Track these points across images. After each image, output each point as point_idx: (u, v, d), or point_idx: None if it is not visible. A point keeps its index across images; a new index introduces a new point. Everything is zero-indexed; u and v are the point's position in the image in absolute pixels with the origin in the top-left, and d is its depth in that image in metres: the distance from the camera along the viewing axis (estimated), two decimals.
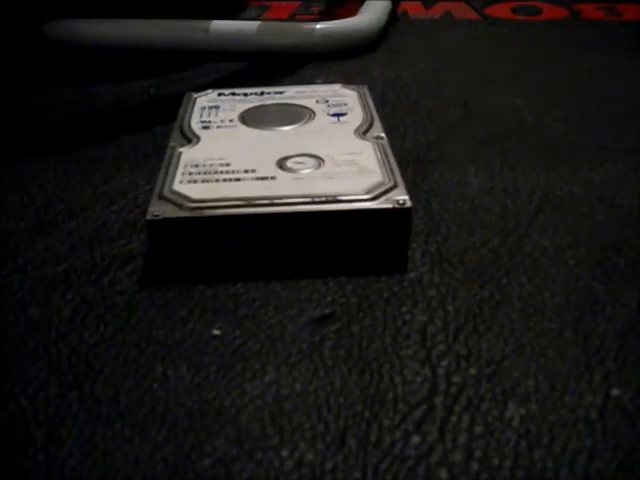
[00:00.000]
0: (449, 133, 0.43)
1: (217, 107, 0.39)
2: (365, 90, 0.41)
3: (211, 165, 0.32)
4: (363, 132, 0.35)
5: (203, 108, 0.39)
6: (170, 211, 0.29)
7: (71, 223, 0.34)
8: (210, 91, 0.42)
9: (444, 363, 0.25)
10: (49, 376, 0.25)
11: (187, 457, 0.22)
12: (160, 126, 0.45)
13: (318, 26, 0.58)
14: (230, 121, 0.37)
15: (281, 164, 0.32)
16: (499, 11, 0.71)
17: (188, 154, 0.33)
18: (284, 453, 0.22)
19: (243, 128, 0.36)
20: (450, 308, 0.28)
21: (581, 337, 0.26)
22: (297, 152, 0.33)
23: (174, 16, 0.60)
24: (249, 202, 0.29)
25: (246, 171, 0.31)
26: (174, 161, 0.33)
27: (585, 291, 0.29)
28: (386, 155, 0.33)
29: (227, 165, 0.32)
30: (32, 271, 0.31)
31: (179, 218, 0.28)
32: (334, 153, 0.33)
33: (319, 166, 0.32)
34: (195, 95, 0.41)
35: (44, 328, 0.27)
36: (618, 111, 0.46)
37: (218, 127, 0.36)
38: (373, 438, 0.22)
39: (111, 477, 0.21)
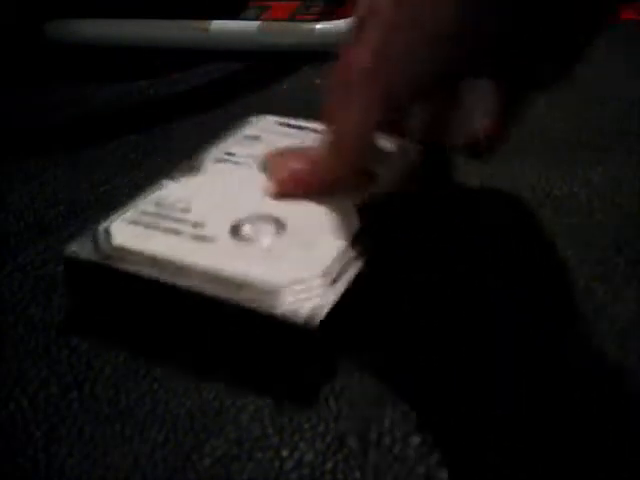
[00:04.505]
0: None
1: (258, 138, 0.35)
2: (417, 151, 0.34)
3: (172, 208, 0.29)
4: (366, 199, 0.30)
5: (246, 137, 0.35)
6: (86, 251, 0.26)
7: (71, 223, 0.34)
8: (268, 117, 0.38)
9: None
10: (49, 376, 0.25)
11: (187, 457, 0.22)
12: (160, 126, 0.45)
13: (318, 26, 0.58)
14: (251, 159, 0.33)
15: (238, 225, 0.28)
16: None
17: (167, 189, 0.30)
18: (284, 453, 0.22)
19: (254, 171, 0.32)
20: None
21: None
22: (266, 212, 0.29)
23: (174, 16, 0.59)
24: (158, 263, 0.25)
25: (195, 225, 0.28)
26: (147, 193, 0.30)
27: (585, 291, 0.28)
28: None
29: (185, 212, 0.28)
30: (32, 271, 0.31)
31: (88, 262, 0.26)
32: (309, 219, 0.28)
33: (277, 234, 0.27)
34: (250, 119, 0.37)
35: (44, 328, 0.27)
36: (618, 111, 0.46)
37: (235, 163, 0.33)
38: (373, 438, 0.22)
39: (111, 477, 0.21)
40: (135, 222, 0.28)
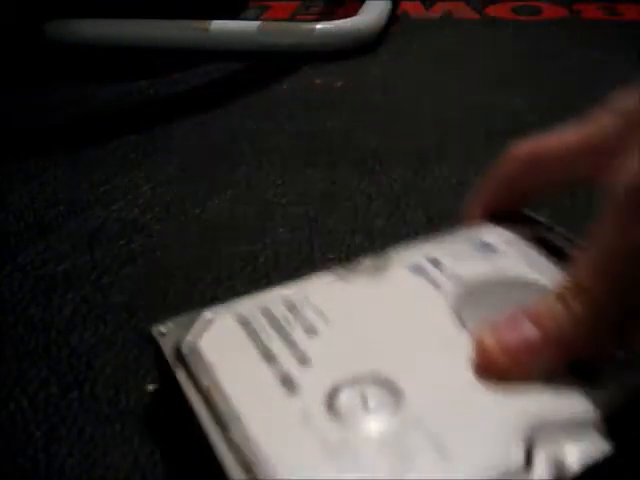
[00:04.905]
0: (449, 133, 0.43)
1: (493, 250, 0.25)
2: None
3: (298, 320, 0.22)
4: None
5: (476, 244, 0.25)
6: (169, 337, 0.22)
7: (71, 223, 0.34)
8: (529, 215, 0.26)
9: None
10: (49, 376, 0.25)
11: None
12: (160, 126, 0.45)
13: (318, 26, 0.58)
14: (459, 284, 0.23)
15: (341, 387, 0.20)
16: (499, 11, 0.71)
17: (317, 287, 0.23)
18: None
19: (442, 307, 0.22)
20: None
21: None
22: (397, 379, 0.20)
23: (174, 16, 0.59)
24: (212, 399, 0.20)
25: (301, 360, 0.21)
26: (292, 284, 0.24)
27: None
28: None
29: (307, 333, 0.21)
30: (32, 271, 0.31)
31: (159, 352, 0.22)
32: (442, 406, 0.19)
33: (386, 418, 0.19)
34: (499, 222, 0.26)
35: (44, 328, 0.27)
36: None
37: (430, 282, 0.23)
38: None
39: (111, 477, 0.21)
40: (244, 322, 0.22)
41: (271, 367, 0.20)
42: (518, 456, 0.17)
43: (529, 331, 0.20)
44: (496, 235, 0.25)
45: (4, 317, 0.28)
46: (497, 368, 0.20)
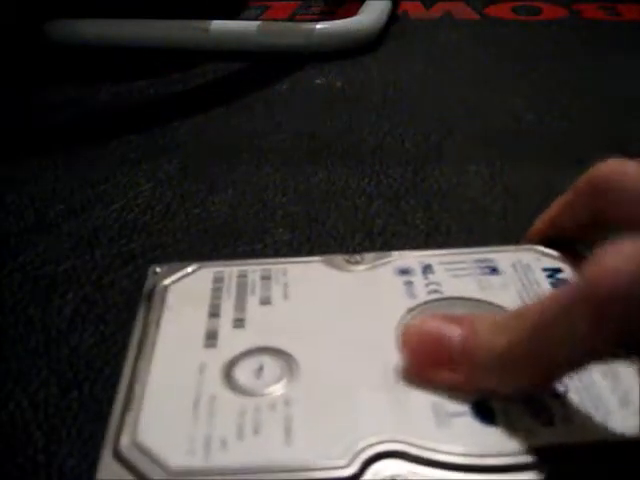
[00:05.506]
0: (449, 133, 0.43)
1: (497, 273, 0.23)
2: None
3: (266, 294, 0.23)
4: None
5: (479, 261, 0.24)
6: (158, 278, 0.24)
7: (71, 223, 0.34)
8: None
9: None
10: (49, 376, 0.25)
11: None
12: (160, 126, 0.45)
13: (318, 26, 0.58)
14: (442, 296, 0.22)
15: (241, 357, 0.20)
16: (499, 11, 0.71)
17: (317, 268, 0.24)
18: None
19: (398, 310, 0.22)
20: None
21: None
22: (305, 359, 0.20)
23: (174, 16, 0.59)
24: (145, 342, 0.21)
25: (236, 323, 0.22)
26: (256, 260, 0.25)
27: None
28: None
29: (265, 305, 0.22)
30: (32, 271, 0.31)
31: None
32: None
33: (281, 386, 0.19)
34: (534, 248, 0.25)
35: (44, 328, 0.27)
36: (618, 111, 0.46)
37: (407, 285, 0.23)
38: None
39: None
40: (218, 280, 0.23)
41: (209, 321, 0.22)
42: (350, 470, 0.16)
43: (453, 330, 0.18)
44: (511, 258, 0.24)
45: (4, 317, 0.28)
46: (407, 354, 0.19)
